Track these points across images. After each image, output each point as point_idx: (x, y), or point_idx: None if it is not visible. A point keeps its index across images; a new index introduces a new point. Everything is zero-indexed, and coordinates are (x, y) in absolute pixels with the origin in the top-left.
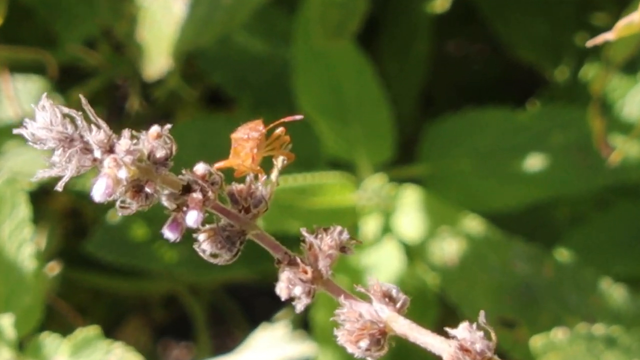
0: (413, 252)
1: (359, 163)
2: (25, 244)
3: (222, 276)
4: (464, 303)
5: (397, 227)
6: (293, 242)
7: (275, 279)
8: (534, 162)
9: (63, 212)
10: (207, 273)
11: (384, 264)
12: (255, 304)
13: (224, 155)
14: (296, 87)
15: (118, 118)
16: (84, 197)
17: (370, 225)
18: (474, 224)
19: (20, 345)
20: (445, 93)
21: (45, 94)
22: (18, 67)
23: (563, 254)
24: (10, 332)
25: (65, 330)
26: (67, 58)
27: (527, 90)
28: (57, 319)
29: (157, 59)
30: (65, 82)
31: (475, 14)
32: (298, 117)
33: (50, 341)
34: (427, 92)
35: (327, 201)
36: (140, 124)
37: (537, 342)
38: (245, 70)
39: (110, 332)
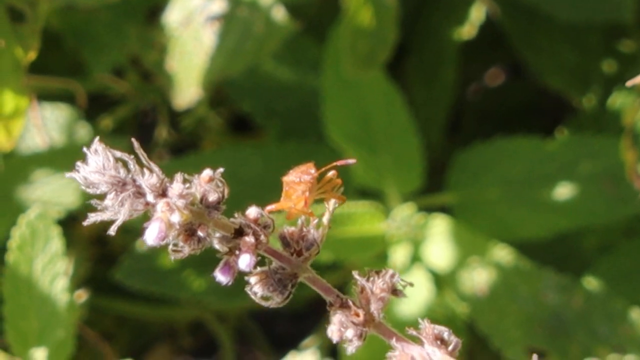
0: (442, 282)
1: (388, 192)
2: (58, 278)
3: (249, 303)
4: (494, 333)
5: (426, 256)
6: (323, 270)
7: (299, 303)
8: (563, 191)
9: (90, 239)
10: (234, 300)
11: (413, 293)
12: (275, 327)
13: (252, 184)
14: (325, 116)
15: (146, 146)
16: (112, 224)
17: (399, 254)
18: (503, 254)
19: None
20: (473, 120)
21: (97, 138)
22: (46, 96)
23: (592, 284)
24: None
25: (93, 357)
26: (95, 86)
27: (555, 117)
28: (84, 346)
29: (187, 89)
30: (93, 110)
31: (502, 41)
32: (351, 161)
33: None
34: (454, 119)
35: (357, 230)
36: (168, 151)
37: None
38: (274, 98)
39: (137, 359)
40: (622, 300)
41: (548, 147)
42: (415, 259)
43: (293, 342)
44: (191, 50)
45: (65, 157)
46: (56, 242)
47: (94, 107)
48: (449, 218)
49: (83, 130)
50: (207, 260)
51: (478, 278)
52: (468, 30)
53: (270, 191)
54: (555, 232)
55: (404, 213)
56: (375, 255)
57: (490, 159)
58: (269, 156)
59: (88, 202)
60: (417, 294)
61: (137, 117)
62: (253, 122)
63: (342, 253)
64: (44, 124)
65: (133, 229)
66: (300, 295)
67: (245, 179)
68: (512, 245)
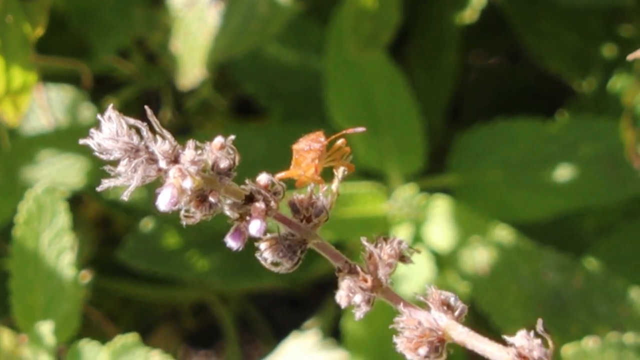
0: (443, 262)
1: (390, 173)
2: (64, 252)
3: (252, 284)
4: (495, 312)
5: (427, 236)
6: None
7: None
8: (563, 173)
9: (94, 221)
10: (237, 282)
11: (414, 273)
12: (275, 313)
13: (255, 165)
14: (328, 98)
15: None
16: (116, 205)
17: (401, 235)
18: (504, 234)
19: (59, 352)
20: (474, 103)
21: (111, 105)
22: (51, 77)
23: (592, 264)
24: (50, 339)
25: (97, 337)
26: (100, 68)
27: (556, 100)
28: (89, 326)
29: (191, 69)
30: (98, 92)
31: (504, 24)
32: (360, 129)
33: (89, 348)
34: (456, 103)
35: (359, 211)
36: (172, 132)
37: (568, 351)
38: (277, 80)
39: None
40: (622, 280)
41: (549, 129)
42: (417, 239)
43: (292, 329)
44: (195, 30)
45: (70, 138)
46: (63, 216)
47: (99, 89)
48: (451, 199)
49: (88, 111)
50: (210, 241)
51: (479, 258)
52: (469, 14)
53: (274, 172)
54: (555, 213)
55: (406, 194)
56: (378, 235)
57: (491, 141)
58: (272, 137)
59: (92, 183)
60: (419, 274)
61: (142, 99)
62: (256, 104)
63: (344, 233)
64: (49, 105)
65: (137, 209)
66: (300, 279)
67: (249, 160)
68: (513, 226)
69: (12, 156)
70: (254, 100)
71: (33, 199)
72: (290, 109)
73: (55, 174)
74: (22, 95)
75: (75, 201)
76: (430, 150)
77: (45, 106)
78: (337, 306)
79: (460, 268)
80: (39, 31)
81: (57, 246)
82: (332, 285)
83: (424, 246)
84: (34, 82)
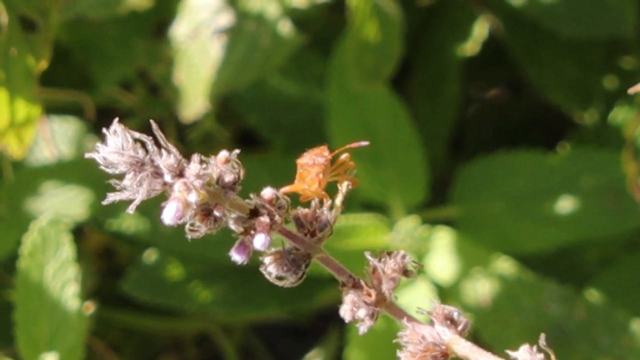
0: (446, 293)
1: (392, 205)
2: (69, 284)
3: (255, 315)
4: (497, 344)
5: (429, 268)
6: (325, 283)
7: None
8: (565, 205)
9: (98, 252)
10: (240, 312)
11: (416, 304)
12: (278, 344)
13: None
14: (330, 130)
15: None
16: (119, 237)
17: None
18: (506, 266)
19: None
20: (475, 135)
21: (117, 119)
22: (55, 109)
23: (594, 296)
24: None
25: None
26: (103, 100)
27: (557, 132)
28: (92, 357)
29: (194, 101)
30: (101, 124)
31: (505, 56)
32: (364, 143)
33: None
34: (458, 134)
35: (361, 242)
36: None
37: None
38: (279, 112)
39: None
40: (624, 312)
41: (550, 161)
42: (419, 271)
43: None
44: (198, 63)
45: (73, 170)
46: (67, 248)
47: (102, 121)
48: (453, 231)
49: (91, 143)
50: (213, 272)
51: (481, 289)
52: (471, 46)
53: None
54: (557, 245)
55: (408, 225)
56: (381, 250)
57: (493, 173)
58: (275, 169)
59: (95, 215)
60: (421, 306)
61: (145, 131)
62: (259, 136)
63: (346, 265)
64: (53, 137)
65: (140, 240)
66: (303, 309)
67: (252, 192)
68: (515, 257)
69: (16, 188)
70: (256, 132)
71: (38, 230)
72: (293, 140)
73: (58, 205)
74: (26, 128)
75: (79, 233)
76: (432, 182)
77: (48, 138)
78: (340, 337)
79: (463, 300)
80: (43, 64)
81: (61, 278)
82: (335, 316)
83: (426, 278)
84: (38, 114)
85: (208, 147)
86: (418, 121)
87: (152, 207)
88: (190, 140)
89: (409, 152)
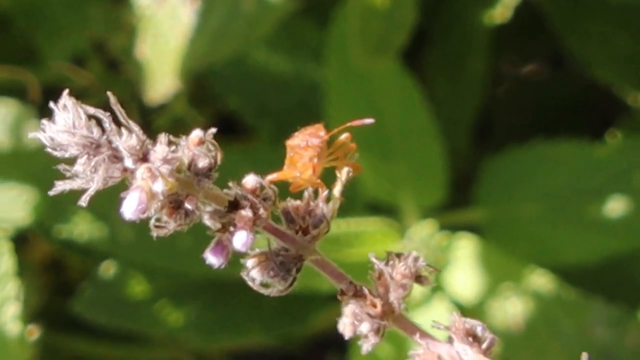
0: (469, 315)
1: (404, 207)
2: (8, 303)
3: (236, 342)
4: None
5: (449, 284)
6: (323, 301)
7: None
8: (615, 207)
9: (44, 265)
10: (218, 339)
11: (434, 329)
12: None
13: None
14: (328, 115)
15: None
16: (70, 246)
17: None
18: (543, 281)
19: None
20: (506, 121)
21: (67, 91)
22: None
23: None
24: None
25: None
26: (51, 78)
27: (605, 117)
28: None
29: (162, 79)
30: (48, 107)
31: (542, 25)
32: (369, 121)
33: None
34: (484, 120)
35: (366, 253)
36: None
37: None
38: (266, 93)
39: None
40: None
41: (597, 153)
42: (437, 288)
43: None
44: (167, 32)
45: (14, 164)
46: (6, 260)
47: (49, 103)
48: (477, 238)
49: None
50: (185, 289)
51: (512, 310)
52: (501, 12)
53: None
54: (605, 255)
55: (423, 232)
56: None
57: (527, 167)
58: (260, 163)
59: (42, 219)
60: (439, 331)
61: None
62: (241, 122)
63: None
64: None
65: (95, 250)
66: (294, 334)
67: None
68: (554, 271)
69: None
70: (238, 118)
71: None
72: (282, 128)
73: None
74: None
75: (21, 241)
76: (453, 178)
77: None
78: None
79: (489, 323)
80: None
81: None
82: (333, 342)
83: (444, 296)
84: None
85: (179, 136)
86: (436, 104)
87: (109, 209)
88: (157, 127)
89: (424, 142)
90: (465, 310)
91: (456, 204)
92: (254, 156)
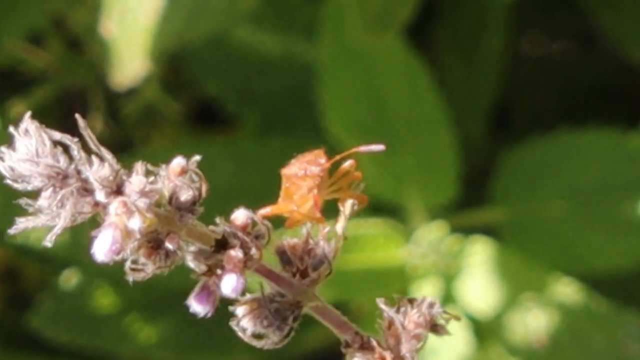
0: (484, 330)
1: (410, 206)
2: None
3: None
4: None
5: (462, 295)
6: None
7: None
8: None
9: None
10: (196, 357)
11: (444, 346)
12: None
13: (221, 196)
14: (322, 101)
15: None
16: (27, 252)
17: (425, 292)
18: (569, 291)
19: None
20: (528, 108)
21: (28, 113)
22: None
23: None
24: None
25: None
26: (4, 59)
27: None
28: None
29: (130, 60)
30: (1, 92)
31: None
32: (379, 147)
33: None
34: (503, 107)
35: (367, 259)
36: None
37: None
38: (251, 77)
39: None
40: None
41: (632, 143)
42: (448, 299)
43: None
44: (136, 6)
45: None
46: None
47: (3, 88)
48: (494, 242)
49: None
50: (158, 301)
51: (534, 324)
52: None
53: (245, 204)
54: None
55: (432, 235)
56: (393, 293)
57: (552, 160)
58: (244, 157)
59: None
60: (450, 348)
61: (62, 102)
62: (222, 110)
63: (348, 291)
64: None
65: (55, 257)
66: (283, 354)
67: (211, 188)
68: (582, 279)
69: None
70: (218, 106)
71: None
72: (270, 116)
73: None
74: None
75: None
76: (466, 173)
77: None
78: None
79: (508, 339)
80: None
81: None
82: None
83: (457, 308)
84: None
85: (150, 126)
86: (446, 88)
87: None
88: (126, 116)
89: (433, 131)
90: (480, 325)
91: (470, 203)
92: (237, 150)
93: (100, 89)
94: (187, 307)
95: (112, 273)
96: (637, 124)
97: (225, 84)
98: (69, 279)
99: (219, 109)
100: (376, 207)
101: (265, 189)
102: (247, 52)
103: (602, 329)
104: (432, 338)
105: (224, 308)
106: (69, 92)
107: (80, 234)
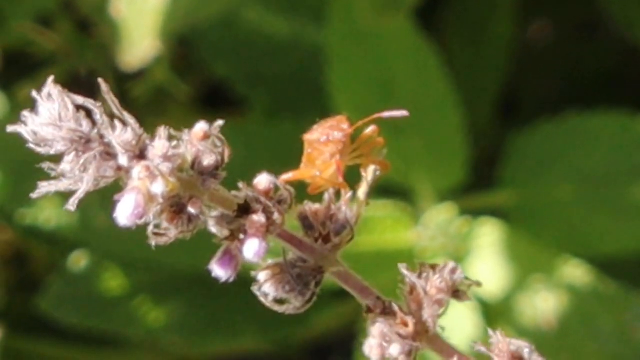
0: (493, 312)
1: (419, 189)
2: None
3: (226, 346)
4: None
5: (471, 277)
6: (328, 299)
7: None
8: None
9: (4, 257)
10: (205, 342)
11: (453, 328)
12: None
13: (229, 178)
14: (331, 83)
15: None
16: (35, 234)
17: None
18: (578, 274)
19: None
20: (536, 92)
21: (51, 78)
22: None
23: None
24: None
25: None
26: (13, 41)
27: None
28: None
29: (140, 41)
30: (9, 75)
31: None
32: (401, 112)
33: None
34: (511, 91)
35: (375, 241)
36: None
37: None
38: (259, 59)
39: None
40: None
41: (639, 127)
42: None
43: None
44: None
45: None
46: None
47: (11, 71)
48: (503, 225)
49: None
50: (167, 283)
51: (543, 306)
52: None
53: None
54: None
55: (441, 218)
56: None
57: (560, 144)
58: (253, 139)
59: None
60: (460, 331)
61: (72, 84)
62: (231, 92)
63: (356, 273)
64: None
65: (64, 240)
66: (293, 338)
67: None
68: (590, 262)
69: None
70: (227, 87)
71: None
72: (278, 98)
73: None
74: None
75: None
76: (475, 156)
77: None
78: None
79: (517, 321)
80: None
81: None
82: (338, 347)
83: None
84: None
85: (160, 108)
86: (455, 71)
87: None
88: (135, 98)
89: (442, 114)
90: (489, 307)
91: (478, 186)
92: (247, 132)
93: (110, 70)
94: (195, 292)
95: (121, 255)
96: None
97: (234, 66)
98: (78, 261)
99: (227, 91)
100: (385, 190)
101: (275, 171)
102: (256, 35)
103: (610, 312)
104: (440, 320)
105: (233, 293)
106: (78, 75)
107: (89, 215)
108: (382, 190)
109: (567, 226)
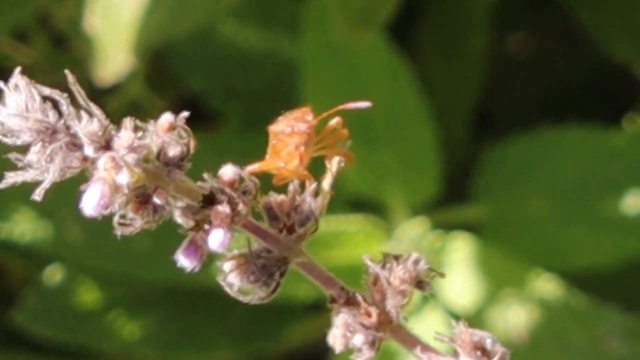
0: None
1: (391, 203)
2: None
3: (200, 358)
4: None
5: (443, 291)
6: (301, 312)
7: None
8: (634, 202)
9: None
10: (179, 354)
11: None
12: None
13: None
14: (305, 97)
15: None
16: (9, 247)
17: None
18: (550, 287)
19: None
20: (511, 105)
21: (18, 69)
22: None
23: None
24: None
25: None
26: None
27: (623, 101)
28: None
29: (114, 56)
30: None
31: None
32: (364, 104)
33: None
34: (486, 104)
35: (348, 255)
36: None
37: None
38: (234, 73)
39: None
40: None
41: (614, 141)
42: (429, 295)
43: None
44: (120, 1)
45: None
46: None
47: None
48: (476, 239)
49: None
50: (142, 297)
51: (515, 320)
52: None
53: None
54: (622, 258)
55: (413, 232)
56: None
57: (534, 158)
58: (227, 152)
59: None
60: (433, 344)
61: (46, 98)
62: (206, 106)
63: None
64: None
65: (39, 253)
66: (266, 350)
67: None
68: (562, 275)
69: None
70: (202, 102)
71: None
72: (253, 112)
73: None
74: None
75: None
76: (448, 170)
77: None
78: None
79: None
80: None
81: None
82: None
83: (438, 304)
84: None
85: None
86: (429, 85)
87: (55, 205)
88: (110, 113)
89: (415, 128)
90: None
91: (451, 200)
92: (221, 145)
93: (85, 85)
94: (169, 305)
95: (95, 269)
96: (619, 122)
97: (209, 80)
98: (53, 275)
99: (202, 105)
100: (357, 204)
101: (259, 180)
102: (231, 49)
103: (582, 326)
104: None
105: (207, 307)
106: (54, 88)
107: (64, 229)
108: (354, 204)
109: (540, 240)
